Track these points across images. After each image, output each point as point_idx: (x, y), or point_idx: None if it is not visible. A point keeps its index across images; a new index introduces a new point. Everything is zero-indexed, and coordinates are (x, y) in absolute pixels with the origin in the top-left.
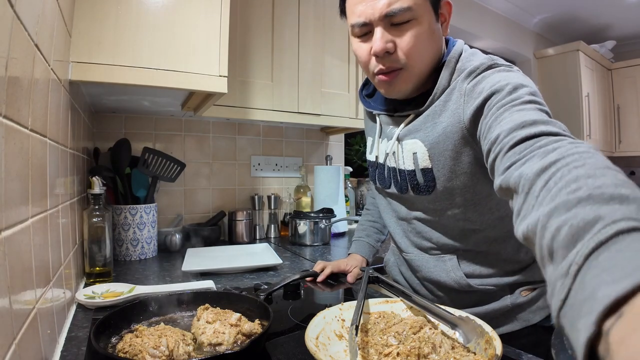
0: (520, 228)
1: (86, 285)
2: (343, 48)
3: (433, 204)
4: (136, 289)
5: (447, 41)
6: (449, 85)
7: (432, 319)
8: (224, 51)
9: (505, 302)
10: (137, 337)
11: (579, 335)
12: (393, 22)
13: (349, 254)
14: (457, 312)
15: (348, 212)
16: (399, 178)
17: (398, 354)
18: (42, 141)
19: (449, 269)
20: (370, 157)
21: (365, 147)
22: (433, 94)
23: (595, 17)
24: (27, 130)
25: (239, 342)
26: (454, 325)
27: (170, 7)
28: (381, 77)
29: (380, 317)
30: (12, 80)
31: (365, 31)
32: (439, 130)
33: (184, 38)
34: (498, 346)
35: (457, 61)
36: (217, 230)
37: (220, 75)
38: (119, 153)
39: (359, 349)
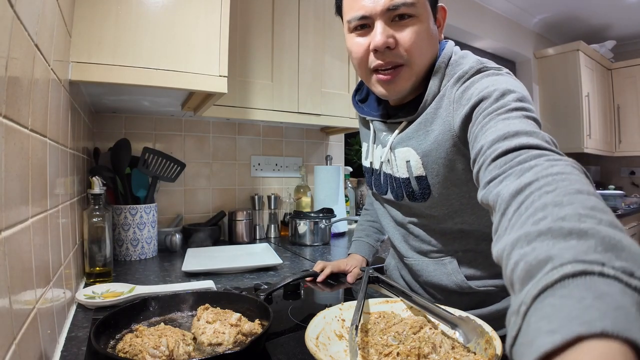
0: (494, 249)
1: (86, 285)
2: (343, 48)
3: (430, 209)
4: (136, 289)
5: None
6: (439, 91)
7: (432, 319)
8: (224, 51)
9: (506, 304)
10: (137, 337)
11: None
12: (395, 16)
13: (348, 254)
14: (457, 312)
15: (348, 212)
16: (394, 185)
17: (398, 354)
18: (42, 141)
19: (450, 272)
20: (366, 163)
21: None
22: (424, 100)
23: (595, 17)
24: (27, 130)
25: (239, 342)
26: (454, 325)
27: (170, 7)
28: (380, 75)
29: (380, 317)
30: (12, 80)
31: (363, 25)
32: (431, 139)
33: (184, 38)
34: (498, 346)
35: (447, 65)
36: (217, 230)
37: (220, 75)
38: (119, 153)
39: (359, 349)
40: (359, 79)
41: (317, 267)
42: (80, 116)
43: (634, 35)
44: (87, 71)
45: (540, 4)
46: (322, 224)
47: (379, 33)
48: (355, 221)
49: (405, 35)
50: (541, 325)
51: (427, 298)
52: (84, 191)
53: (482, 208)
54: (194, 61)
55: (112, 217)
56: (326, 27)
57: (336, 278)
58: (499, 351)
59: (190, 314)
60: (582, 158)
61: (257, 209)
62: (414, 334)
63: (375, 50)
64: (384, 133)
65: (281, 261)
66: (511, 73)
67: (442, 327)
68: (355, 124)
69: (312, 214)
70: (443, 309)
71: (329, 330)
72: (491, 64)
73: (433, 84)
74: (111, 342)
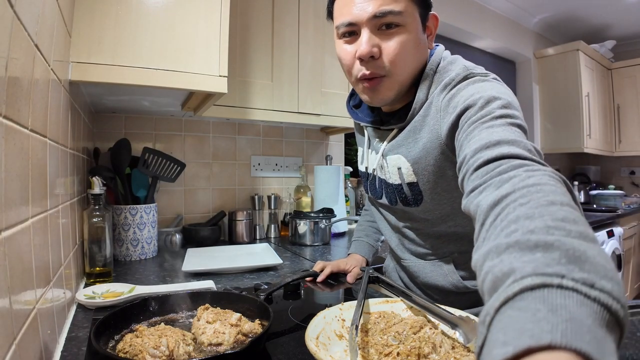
0: (472, 260)
1: (86, 285)
2: None
3: (423, 214)
4: (136, 289)
5: None
6: (427, 99)
7: (432, 319)
8: (224, 51)
9: None
10: (137, 337)
11: None
12: (381, 24)
13: (348, 254)
14: (457, 312)
15: (348, 212)
16: (388, 190)
17: (398, 353)
18: (42, 141)
19: (446, 273)
20: (362, 167)
21: None
22: (412, 108)
23: (595, 17)
24: (27, 131)
25: (239, 342)
26: (454, 325)
27: (170, 7)
28: (365, 84)
29: (380, 317)
30: (12, 81)
31: (351, 32)
32: (420, 146)
33: (184, 38)
34: None
35: (435, 72)
36: (217, 230)
37: (220, 75)
38: (119, 153)
39: (359, 348)
40: None
41: (317, 267)
42: (80, 116)
43: (634, 35)
44: (87, 71)
45: (540, 4)
46: (322, 224)
47: (364, 42)
48: (355, 221)
49: (390, 46)
50: (498, 336)
51: (426, 299)
52: (84, 191)
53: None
54: (193, 61)
55: (112, 217)
56: (326, 27)
57: (336, 278)
58: None
59: (190, 314)
60: (582, 158)
61: (257, 209)
62: (414, 333)
63: (361, 59)
64: (377, 140)
65: (281, 261)
66: (499, 79)
67: (442, 327)
68: None
69: (312, 214)
70: (443, 309)
71: (329, 330)
72: (478, 69)
73: (421, 92)
74: (111, 342)
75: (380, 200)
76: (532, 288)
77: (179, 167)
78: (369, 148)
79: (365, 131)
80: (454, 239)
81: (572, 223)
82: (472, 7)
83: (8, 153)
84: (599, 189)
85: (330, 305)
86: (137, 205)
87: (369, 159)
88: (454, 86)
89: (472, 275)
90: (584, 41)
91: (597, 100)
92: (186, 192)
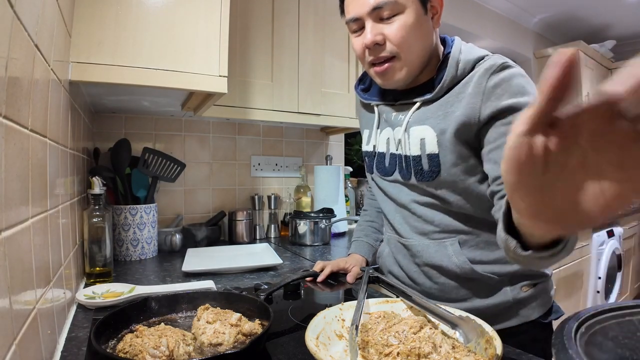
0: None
1: (86, 285)
2: (343, 47)
3: (435, 190)
4: (136, 289)
5: (443, 40)
6: (463, 77)
7: (432, 319)
8: (223, 51)
9: (505, 297)
10: (137, 337)
11: None
12: (381, 15)
13: (348, 254)
14: (457, 312)
15: (348, 212)
16: (403, 164)
17: (398, 353)
18: (42, 141)
19: (451, 254)
20: (368, 147)
21: None
22: (442, 81)
23: (595, 17)
24: (27, 131)
25: (239, 342)
26: (454, 325)
27: (170, 7)
28: (376, 68)
29: (380, 317)
30: (12, 81)
31: (358, 26)
32: (451, 120)
33: (184, 38)
34: (498, 346)
35: (460, 52)
36: (217, 230)
37: (220, 75)
38: (119, 153)
39: (359, 348)
40: (361, 73)
41: (316, 267)
42: (80, 116)
43: (634, 35)
44: (87, 71)
45: (540, 4)
46: (322, 224)
47: (368, 32)
48: (355, 221)
49: (393, 31)
50: None
51: (425, 285)
52: (84, 191)
53: (484, 201)
54: (193, 61)
55: (112, 217)
56: (326, 27)
57: (336, 278)
58: (499, 351)
59: (190, 314)
60: None
61: (257, 209)
62: (414, 333)
63: (368, 48)
64: (394, 114)
65: (281, 261)
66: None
67: (442, 327)
68: (355, 123)
69: (312, 214)
70: (443, 309)
71: (329, 330)
72: (506, 59)
73: (451, 67)
74: (111, 342)
75: (389, 178)
76: None
77: (179, 167)
78: (378, 127)
79: (376, 109)
80: (462, 219)
81: None
82: (471, 7)
83: (8, 153)
84: None
85: (330, 305)
86: (137, 206)
87: (377, 138)
88: (498, 72)
89: (477, 259)
90: (584, 41)
91: None
92: (186, 192)
